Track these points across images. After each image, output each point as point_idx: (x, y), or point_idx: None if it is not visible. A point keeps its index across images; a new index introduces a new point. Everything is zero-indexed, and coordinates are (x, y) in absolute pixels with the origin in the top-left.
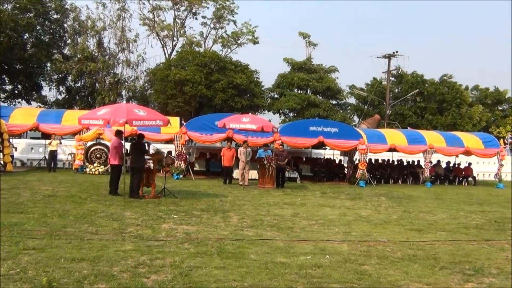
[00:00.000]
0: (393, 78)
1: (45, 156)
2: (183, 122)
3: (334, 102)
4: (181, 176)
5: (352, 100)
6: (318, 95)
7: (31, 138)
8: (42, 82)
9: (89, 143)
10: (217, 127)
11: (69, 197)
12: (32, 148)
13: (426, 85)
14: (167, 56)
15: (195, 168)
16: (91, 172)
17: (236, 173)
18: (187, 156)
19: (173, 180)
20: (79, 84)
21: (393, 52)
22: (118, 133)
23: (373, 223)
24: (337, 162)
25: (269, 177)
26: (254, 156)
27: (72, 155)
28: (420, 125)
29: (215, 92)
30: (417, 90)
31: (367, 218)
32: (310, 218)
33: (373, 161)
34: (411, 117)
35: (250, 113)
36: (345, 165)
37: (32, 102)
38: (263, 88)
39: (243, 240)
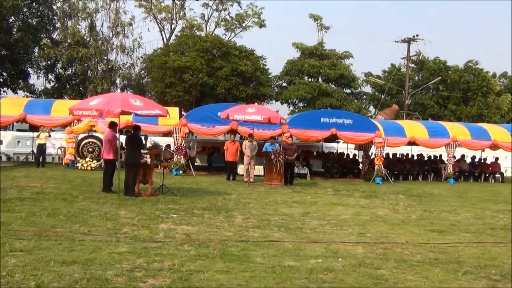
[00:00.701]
0: (413, 65)
1: (33, 150)
2: (183, 113)
3: (348, 91)
4: (181, 172)
5: (367, 89)
6: (330, 84)
7: (18, 130)
8: (29, 69)
9: (81, 136)
10: (220, 119)
11: (59, 194)
12: (18, 141)
13: (450, 72)
14: (165, 41)
15: (196, 163)
16: (82, 168)
17: (240, 169)
18: (187, 150)
19: (172, 177)
20: (69, 72)
21: (413, 36)
22: (112, 125)
23: (391, 223)
24: (351, 156)
25: (276, 173)
26: (260, 150)
27: (62, 149)
28: (442, 116)
29: (218, 80)
30: (440, 77)
31: (384, 218)
32: (322, 217)
33: (390, 155)
34: (432, 107)
35: (256, 103)
36: (360, 160)
37: (18, 91)
38: (270, 76)
39: (248, 241)
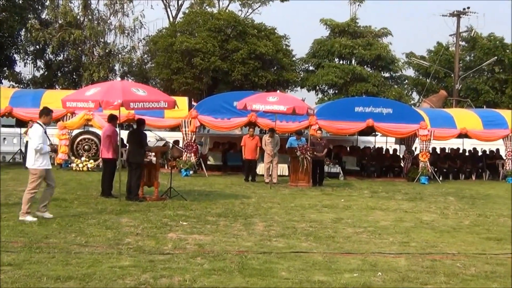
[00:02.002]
0: (463, 43)
1: (20, 149)
2: (193, 103)
3: (387, 74)
4: (191, 172)
5: (410, 72)
6: (365, 66)
7: (3, 126)
8: (15, 55)
9: (75, 132)
10: (236, 109)
11: (52, 199)
12: (4, 138)
13: (507, 51)
14: (171, 19)
15: (208, 162)
16: (78, 168)
17: (261, 168)
18: (199, 147)
19: (181, 178)
20: (61, 58)
21: (464, 9)
22: (112, 119)
23: (439, 230)
24: (391, 152)
25: (303, 172)
26: (284, 146)
27: (54, 147)
28: (499, 104)
29: (233, 65)
30: (495, 57)
31: (431, 224)
32: (357, 224)
33: (438, 150)
34: (487, 92)
35: (278, 91)
36: (402, 156)
37: (3, 81)
38: (294, 59)
39: (271, 253)
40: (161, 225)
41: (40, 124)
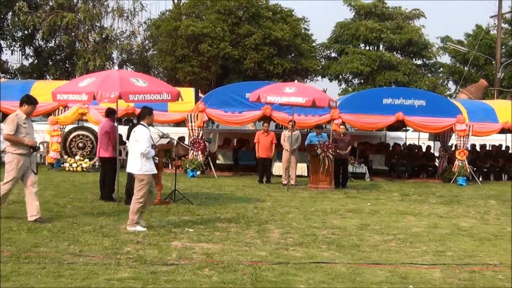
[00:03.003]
0: (506, 25)
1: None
2: (200, 95)
3: (419, 62)
4: (198, 172)
5: (445, 59)
6: (395, 53)
7: None
8: (1, 41)
9: (68, 128)
10: (248, 102)
11: (42, 203)
12: None
13: None
14: (175, 1)
15: (217, 161)
16: (71, 169)
17: (277, 168)
18: (207, 145)
19: (187, 179)
20: (52, 44)
21: None
22: (110, 113)
23: (478, 238)
24: (423, 150)
25: (324, 173)
26: (303, 143)
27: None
28: None
29: (245, 51)
30: None
31: (469, 231)
32: (385, 231)
33: (477, 147)
34: None
35: (296, 81)
36: (436, 154)
37: None
38: (314, 44)
39: (288, 263)
40: (164, 232)
41: (145, 125)
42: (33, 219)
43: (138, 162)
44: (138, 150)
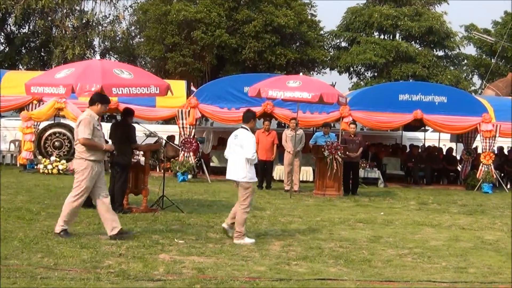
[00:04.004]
0: None
1: None
2: (192, 88)
3: (441, 53)
4: (190, 176)
5: (470, 50)
6: (413, 42)
7: None
8: None
9: (43, 124)
10: (247, 97)
11: (13, 210)
12: None
13: None
14: None
15: (211, 164)
16: (46, 171)
17: (278, 172)
18: (199, 145)
19: (176, 183)
20: (26, 30)
21: None
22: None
23: (505, 253)
24: (444, 152)
25: (332, 177)
26: (308, 143)
27: (17, 143)
28: None
29: (244, 40)
30: None
31: (495, 245)
32: (400, 244)
33: (505, 150)
34: None
35: (301, 73)
36: (459, 157)
37: None
38: (322, 32)
39: (290, 280)
40: (150, 244)
41: (248, 129)
42: (115, 232)
43: (243, 168)
44: (244, 155)
